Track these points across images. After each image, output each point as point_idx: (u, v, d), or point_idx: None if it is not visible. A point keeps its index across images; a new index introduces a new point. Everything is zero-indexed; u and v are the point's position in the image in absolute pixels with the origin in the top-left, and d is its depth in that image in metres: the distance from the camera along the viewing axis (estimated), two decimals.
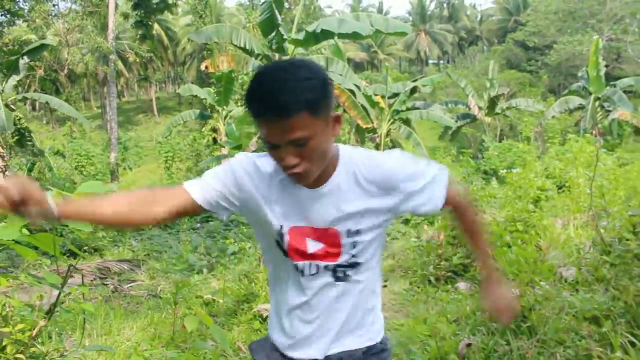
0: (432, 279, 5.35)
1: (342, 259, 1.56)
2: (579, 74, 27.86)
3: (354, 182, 1.53)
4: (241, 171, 1.54)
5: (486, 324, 3.99)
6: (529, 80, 45.98)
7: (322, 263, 1.56)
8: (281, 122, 1.31)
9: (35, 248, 2.39)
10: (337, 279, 1.58)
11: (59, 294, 2.34)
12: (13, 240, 2.10)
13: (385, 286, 5.81)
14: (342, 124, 1.46)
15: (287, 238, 1.55)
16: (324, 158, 1.43)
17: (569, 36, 42.77)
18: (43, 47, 17.16)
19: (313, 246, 1.55)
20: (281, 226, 1.55)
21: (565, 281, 4.85)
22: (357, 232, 1.55)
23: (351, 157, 1.55)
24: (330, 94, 1.40)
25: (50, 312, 2.44)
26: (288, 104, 1.30)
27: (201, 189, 1.53)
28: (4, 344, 2.17)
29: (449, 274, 5.35)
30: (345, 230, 1.54)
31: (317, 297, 1.59)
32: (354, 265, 1.58)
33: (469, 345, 3.80)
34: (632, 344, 2.72)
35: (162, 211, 1.48)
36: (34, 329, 2.21)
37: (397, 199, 1.57)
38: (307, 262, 1.57)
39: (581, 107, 26.36)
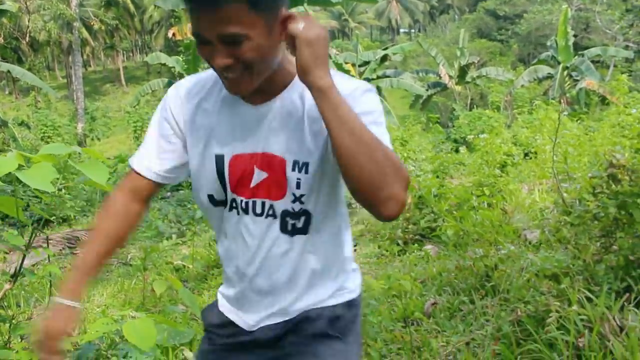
0: (400, 242, 5.45)
1: (287, 199, 1.31)
2: (548, 44, 28.14)
3: (302, 107, 1.29)
4: (170, 107, 1.38)
5: (452, 284, 4.10)
6: (499, 49, 46.30)
7: (268, 201, 1.32)
8: (210, 12, 1.10)
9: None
10: (284, 230, 1.35)
11: (24, 256, 2.32)
12: None
13: (354, 250, 5.89)
14: (293, 23, 1.17)
15: (228, 170, 1.33)
16: (265, 67, 1.20)
17: (538, 5, 43.05)
18: (1, 12, 16.61)
19: (257, 176, 1.32)
20: (222, 156, 1.33)
21: (530, 243, 4.99)
22: (305, 167, 1.29)
23: None
24: None
25: (15, 275, 2.42)
26: None
27: (147, 162, 1.40)
28: None
29: (417, 237, 5.45)
30: (292, 160, 1.29)
31: (260, 249, 1.37)
32: (302, 215, 1.33)
33: (434, 304, 3.90)
34: (589, 300, 2.82)
35: (139, 207, 1.43)
36: None
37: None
38: (250, 200, 1.34)
39: (550, 77, 26.67)
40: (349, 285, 1.46)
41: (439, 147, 19.89)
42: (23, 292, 4.18)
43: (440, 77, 27.11)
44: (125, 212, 1.41)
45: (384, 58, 19.79)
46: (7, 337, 2.42)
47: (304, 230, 1.35)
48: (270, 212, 1.34)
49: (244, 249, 1.39)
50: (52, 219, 10.00)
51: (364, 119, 1.17)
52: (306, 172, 1.29)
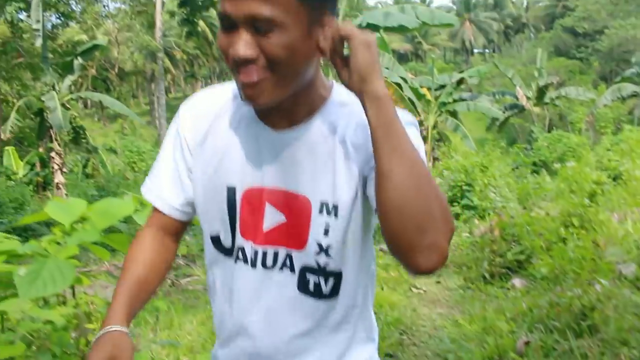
0: (486, 275, 5.34)
1: (310, 248, 1.07)
2: (633, 60, 26.99)
3: (334, 138, 1.06)
4: (180, 127, 1.15)
5: (544, 322, 3.98)
6: (578, 67, 44.78)
7: (284, 250, 1.08)
8: None
9: (110, 248, 2.53)
10: (304, 289, 1.09)
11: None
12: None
13: (439, 282, 5.83)
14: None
15: (240, 206, 1.08)
16: (292, 73, 0.97)
17: (621, 20, 41.41)
18: (95, 47, 17.69)
19: (271, 218, 1.07)
20: (234, 189, 1.08)
21: (626, 278, 4.78)
22: (335, 210, 1.05)
23: (345, 105, 1.08)
24: None
25: None
26: None
27: (164, 193, 1.17)
28: (88, 339, 2.31)
29: (504, 270, 5.33)
30: (319, 201, 1.05)
31: (270, 313, 1.10)
32: (329, 274, 1.09)
33: (527, 343, 3.80)
34: None
35: (173, 242, 1.22)
36: None
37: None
38: (261, 248, 1.08)
39: (635, 95, 25.47)
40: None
41: (520, 172, 19.36)
42: None
43: (518, 99, 26.44)
44: (158, 244, 1.19)
45: (460, 81, 19.54)
46: None
47: (330, 294, 1.10)
48: (287, 263, 1.09)
49: (247, 312, 1.12)
50: None
51: None
52: (336, 216, 1.05)
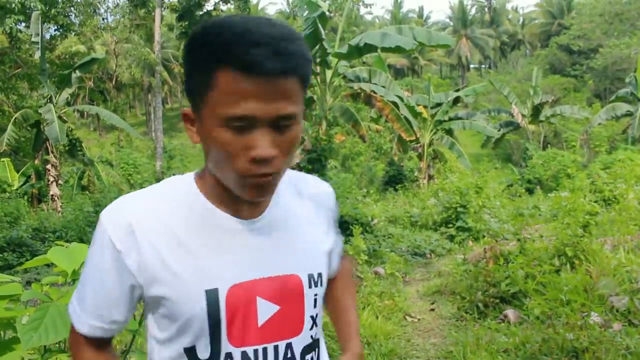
0: (480, 305, 5.38)
1: (306, 327, 1.05)
2: (627, 80, 27.16)
3: (302, 204, 1.09)
4: (116, 248, 0.97)
5: (536, 357, 4.03)
6: (573, 85, 45.13)
7: (283, 343, 1.02)
8: (271, 85, 0.85)
9: None
10: None
11: (134, 336, 2.52)
12: None
13: (432, 309, 5.87)
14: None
15: (225, 308, 0.97)
16: (293, 157, 0.96)
17: (615, 39, 41.77)
18: (94, 60, 17.74)
19: (265, 312, 0.99)
20: (214, 290, 0.96)
21: (617, 311, 4.83)
22: (320, 279, 1.07)
23: (289, 177, 1.12)
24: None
25: (125, 352, 2.64)
26: (294, 56, 0.86)
27: (87, 320, 1.04)
28: None
29: (497, 300, 5.37)
30: (306, 275, 1.05)
31: None
32: (315, 345, 1.09)
33: None
34: None
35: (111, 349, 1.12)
36: None
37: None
38: (260, 348, 1.00)
39: (629, 114, 25.68)
40: None
41: (515, 189, 19.46)
42: None
43: (513, 116, 26.63)
44: None
45: (456, 100, 19.69)
46: None
47: None
48: (289, 355, 1.03)
49: None
50: None
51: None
52: (321, 285, 1.07)
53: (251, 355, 0.99)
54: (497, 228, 9.40)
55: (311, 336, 1.06)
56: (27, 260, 9.42)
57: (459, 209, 10.55)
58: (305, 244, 1.06)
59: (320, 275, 1.06)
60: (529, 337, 4.26)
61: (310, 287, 1.04)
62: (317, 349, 1.09)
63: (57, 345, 2.31)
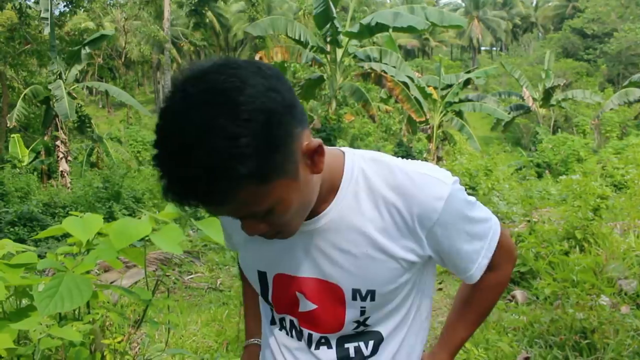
0: None
1: (347, 329, 1.09)
2: None
3: (363, 219, 1.01)
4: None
5: (544, 337, 4.04)
6: (586, 69, 44.62)
7: (317, 334, 1.11)
8: (217, 209, 0.88)
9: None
10: (346, 358, 1.11)
11: (147, 306, 2.55)
12: None
13: (440, 289, 5.89)
14: (324, 155, 0.91)
15: (272, 288, 1.13)
16: (305, 208, 0.96)
17: (630, 23, 41.23)
18: (103, 37, 17.71)
19: (303, 306, 1.10)
20: (264, 273, 1.13)
21: (626, 294, 4.83)
22: (371, 295, 1.04)
23: (364, 171, 1.02)
24: (288, 132, 0.84)
25: (139, 322, 2.66)
26: (212, 195, 0.81)
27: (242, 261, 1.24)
28: (104, 354, 2.37)
29: None
30: (350, 289, 1.04)
31: None
32: (369, 337, 1.11)
33: (526, 358, 3.86)
34: None
35: None
36: (125, 337, 2.41)
37: (429, 249, 1.04)
38: (296, 321, 1.14)
39: None
40: None
41: (524, 172, 19.38)
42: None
43: (524, 100, 26.44)
44: (252, 291, 1.29)
45: (467, 82, 19.55)
46: None
47: (371, 353, 1.11)
48: (323, 341, 1.11)
49: None
50: None
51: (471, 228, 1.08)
52: (372, 300, 1.04)
53: (295, 323, 1.14)
54: (506, 210, 9.38)
55: (355, 331, 1.09)
56: (37, 234, 9.51)
57: (467, 191, 10.48)
58: (356, 257, 1.01)
59: (372, 292, 1.03)
60: (537, 317, 4.27)
61: (354, 299, 1.04)
62: (365, 341, 1.11)
63: (73, 312, 2.34)
